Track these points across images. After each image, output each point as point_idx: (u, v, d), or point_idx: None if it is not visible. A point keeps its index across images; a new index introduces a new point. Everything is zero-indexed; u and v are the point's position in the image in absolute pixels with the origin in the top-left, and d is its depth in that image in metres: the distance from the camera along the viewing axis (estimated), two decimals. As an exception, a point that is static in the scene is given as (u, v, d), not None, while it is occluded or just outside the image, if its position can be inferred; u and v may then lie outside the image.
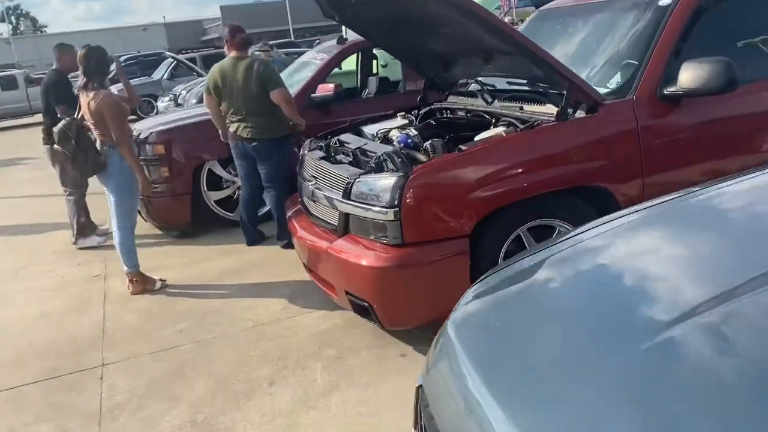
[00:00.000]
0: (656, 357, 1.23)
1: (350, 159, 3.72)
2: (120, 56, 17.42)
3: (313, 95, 5.95)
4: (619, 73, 3.53)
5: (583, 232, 1.87)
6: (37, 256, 6.03)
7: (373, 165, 3.31)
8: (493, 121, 3.71)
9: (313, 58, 6.74)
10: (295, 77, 6.47)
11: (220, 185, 6.02)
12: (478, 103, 4.00)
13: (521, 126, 3.38)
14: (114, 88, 5.14)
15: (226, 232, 5.81)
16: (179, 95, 14.14)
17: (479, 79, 4.11)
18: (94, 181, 4.98)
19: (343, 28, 5.46)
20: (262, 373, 3.37)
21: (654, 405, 1.15)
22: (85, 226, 6.09)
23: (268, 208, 5.54)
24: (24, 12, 76.50)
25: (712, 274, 1.47)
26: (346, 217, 3.35)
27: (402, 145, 3.62)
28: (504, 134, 3.36)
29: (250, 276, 4.79)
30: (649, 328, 1.32)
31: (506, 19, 10.20)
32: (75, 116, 4.64)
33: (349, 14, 4.11)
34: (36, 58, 47.74)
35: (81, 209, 6.06)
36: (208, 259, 5.32)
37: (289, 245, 4.79)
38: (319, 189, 3.62)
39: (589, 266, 1.72)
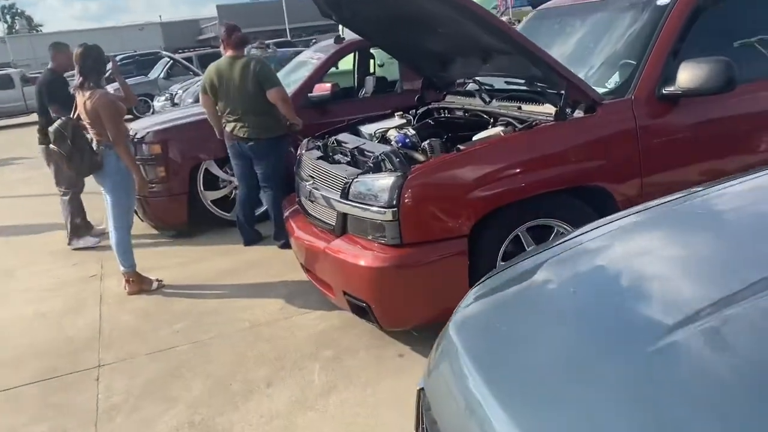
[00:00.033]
0: (659, 360, 1.23)
1: (348, 159, 3.71)
2: (116, 55, 17.43)
3: (310, 95, 5.93)
4: (617, 72, 3.52)
5: (584, 233, 1.86)
6: (32, 256, 6.01)
7: (371, 165, 3.30)
8: (491, 120, 3.70)
9: (310, 57, 6.72)
10: (291, 77, 6.45)
11: (217, 185, 6.01)
12: (475, 103, 3.99)
13: (519, 126, 3.37)
14: (110, 88, 5.11)
15: (223, 232, 5.80)
16: (176, 95, 14.13)
17: (477, 78, 4.10)
18: (90, 181, 4.96)
19: (341, 27, 5.44)
20: (259, 374, 3.36)
21: (655, 407, 1.15)
22: (79, 227, 6.06)
23: (264, 208, 5.53)
24: (19, 11, 76.26)
25: (714, 277, 1.46)
26: (343, 217, 3.33)
27: (400, 144, 3.61)
28: (502, 134, 3.35)
29: (247, 276, 4.77)
30: (652, 331, 1.31)
31: (503, 19, 10.18)
32: (71, 116, 4.61)
33: (347, 13, 4.10)
34: (32, 57, 47.58)
35: (76, 209, 6.03)
36: (204, 259, 5.30)
37: (287, 245, 4.78)
38: (317, 189, 3.61)
39: (590, 268, 1.71)
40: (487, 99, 3.85)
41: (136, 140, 5.66)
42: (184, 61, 19.01)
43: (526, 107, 3.56)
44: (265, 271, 4.82)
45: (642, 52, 3.40)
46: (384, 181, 3.11)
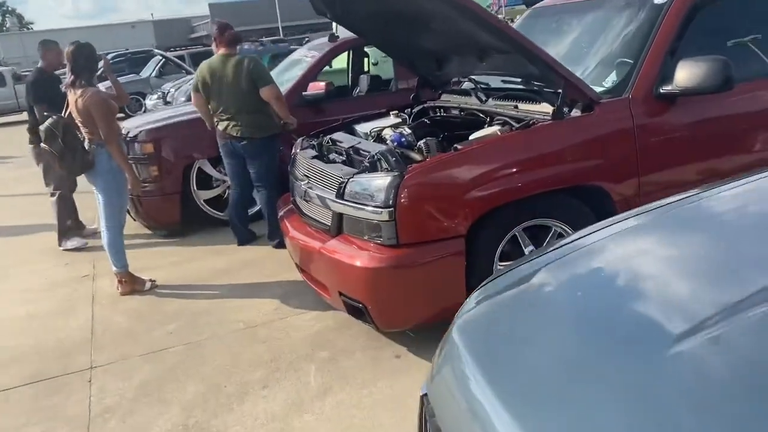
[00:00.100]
0: (664, 365, 1.21)
1: (343, 158, 3.68)
2: (108, 54, 17.32)
3: (304, 93, 5.90)
4: (614, 71, 3.51)
5: (585, 236, 1.83)
6: (24, 256, 5.95)
7: (367, 164, 3.27)
8: (488, 119, 3.68)
9: (304, 55, 6.69)
10: (285, 75, 6.41)
11: (210, 184, 5.96)
12: (472, 102, 3.97)
13: (516, 125, 3.35)
14: (102, 86, 5.05)
15: (216, 232, 5.75)
16: (168, 93, 14.06)
17: (472, 77, 4.08)
18: (82, 180, 4.91)
19: (334, 25, 5.42)
20: (254, 376, 3.32)
21: (660, 412, 1.13)
22: (69, 228, 6.00)
23: (258, 207, 5.49)
24: (10, 9, 75.73)
25: (720, 282, 1.44)
26: (339, 217, 3.30)
27: (396, 144, 3.58)
28: (499, 133, 3.33)
29: (241, 276, 4.74)
30: (659, 337, 1.29)
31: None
32: (62, 114, 4.56)
33: (341, 11, 4.07)
34: (22, 55, 47.25)
35: (65, 210, 5.97)
36: (198, 259, 5.26)
37: (281, 245, 4.75)
38: (312, 188, 3.58)
39: (595, 271, 1.69)
40: (484, 98, 3.82)
41: (128, 139, 5.61)
42: (176, 60, 18.92)
43: (522, 106, 3.53)
44: (260, 271, 4.79)
45: (639, 50, 3.38)
46: (380, 180, 3.08)
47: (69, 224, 6.02)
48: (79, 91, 4.36)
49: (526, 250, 3.22)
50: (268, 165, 5.05)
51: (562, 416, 1.22)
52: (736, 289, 1.37)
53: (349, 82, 7.41)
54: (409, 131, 3.72)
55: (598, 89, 3.35)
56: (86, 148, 4.45)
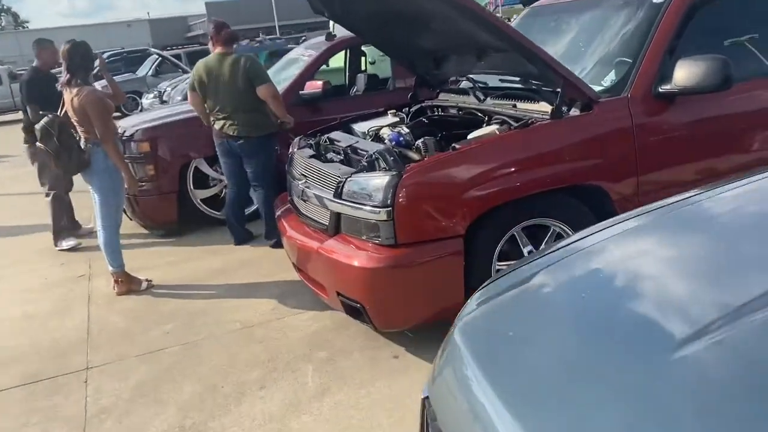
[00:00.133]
0: (668, 367, 1.20)
1: (341, 157, 3.66)
2: (104, 53, 17.28)
3: (301, 92, 5.88)
4: (613, 70, 3.50)
5: (585, 237, 1.82)
6: (19, 255, 5.92)
7: (365, 164, 3.25)
8: (486, 119, 3.67)
9: (301, 54, 6.66)
10: (282, 74, 6.39)
11: (207, 183, 5.94)
12: (469, 101, 3.95)
13: (515, 124, 3.33)
14: (98, 85, 5.03)
15: (213, 231, 5.73)
16: (164, 92, 14.02)
17: (470, 76, 4.06)
18: (79, 180, 4.88)
19: (331, 24, 5.40)
20: (251, 376, 3.30)
21: (662, 415, 1.12)
22: (64, 228, 5.96)
23: (255, 207, 5.48)
24: (5, 7, 75.47)
25: (724, 285, 1.42)
26: (337, 216, 3.28)
27: (394, 143, 3.57)
28: (498, 132, 3.32)
29: (238, 276, 4.71)
30: (663, 339, 1.28)
31: (494, 17, 10.16)
32: (58, 113, 4.54)
33: (339, 10, 4.05)
34: (18, 54, 47.09)
35: (60, 210, 5.93)
36: (195, 259, 5.23)
37: (278, 244, 4.73)
38: (309, 188, 3.56)
39: (594, 273, 1.67)
40: (482, 97, 3.81)
41: (124, 138, 5.59)
42: (172, 59, 18.87)
43: (521, 105, 3.52)
44: (257, 270, 4.77)
45: (638, 49, 3.37)
46: (378, 180, 3.06)
47: (64, 224, 5.99)
48: (74, 90, 4.33)
49: (525, 250, 3.21)
50: (264, 164, 5.03)
51: (564, 417, 1.21)
52: (739, 292, 1.35)
53: (346, 81, 7.39)
54: (407, 130, 3.70)
55: (596, 88, 3.34)
56: (82, 147, 4.42)
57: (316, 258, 3.40)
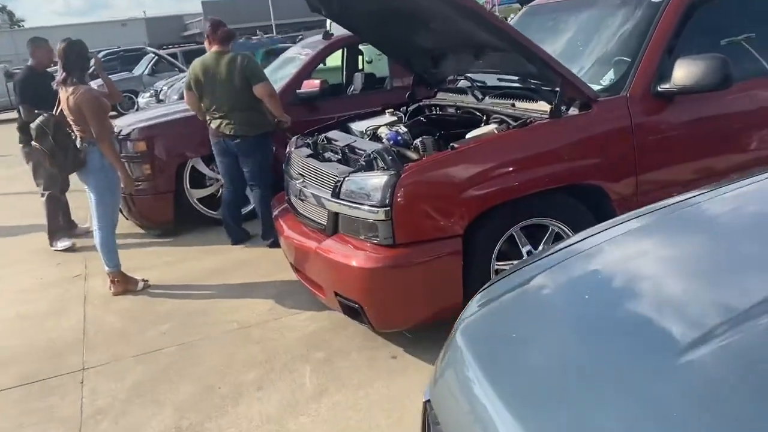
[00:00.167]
0: (673, 371, 1.18)
1: (339, 157, 3.64)
2: (99, 51, 17.21)
3: (298, 91, 5.86)
4: (612, 69, 3.48)
5: (587, 238, 1.80)
6: (15, 255, 5.89)
7: (363, 163, 3.23)
8: (484, 118, 3.65)
9: (298, 53, 6.64)
10: (279, 73, 6.37)
11: (204, 183, 5.91)
12: (468, 100, 3.94)
13: (513, 123, 3.32)
14: (94, 84, 5.00)
15: (210, 231, 5.71)
16: (160, 91, 13.98)
17: (468, 75, 4.05)
18: (75, 179, 4.85)
19: (328, 23, 5.38)
20: (249, 377, 3.28)
21: (666, 417, 1.12)
22: (60, 228, 5.93)
23: (252, 206, 5.45)
24: (0, 6, 75.19)
25: (728, 288, 1.41)
26: (335, 216, 3.26)
27: (392, 142, 3.55)
28: (496, 132, 3.30)
29: (235, 276, 4.69)
30: (663, 342, 1.28)
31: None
32: (53, 112, 4.51)
33: (337, 8, 4.03)
34: (13, 53, 46.87)
35: (57, 209, 5.90)
36: (191, 259, 5.21)
37: (275, 244, 4.71)
38: (307, 187, 3.54)
39: (596, 275, 1.66)
40: (480, 96, 3.79)
41: (121, 137, 5.55)
42: (169, 57, 18.82)
43: (519, 104, 3.50)
44: (254, 270, 4.74)
45: (637, 48, 3.36)
46: (376, 179, 3.05)
47: (61, 224, 5.96)
48: (70, 89, 4.31)
49: (524, 250, 3.20)
50: (261, 163, 5.00)
51: (565, 419, 1.20)
52: (743, 295, 1.34)
53: (344, 80, 7.37)
54: (405, 130, 3.69)
55: (595, 87, 3.32)
56: (78, 146, 4.39)
57: (314, 258, 3.38)
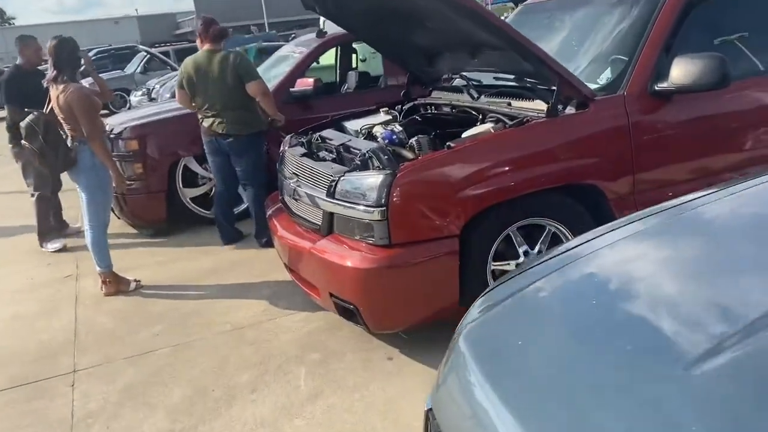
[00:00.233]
0: (681, 381, 1.16)
1: (333, 156, 3.60)
2: (90, 50, 17.10)
3: (291, 89, 5.81)
4: (609, 68, 3.46)
5: (588, 241, 1.78)
6: (5, 256, 5.83)
7: (359, 162, 3.20)
8: (480, 117, 3.62)
9: (292, 51, 6.60)
10: (272, 71, 6.33)
11: (196, 182, 5.86)
12: (463, 99, 3.91)
13: (510, 122, 3.29)
14: (85, 82, 4.95)
15: (203, 231, 5.66)
16: (153, 89, 13.89)
17: (463, 73, 4.02)
18: (67, 178, 4.79)
19: (321, 21, 5.34)
20: (242, 379, 3.24)
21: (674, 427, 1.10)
22: (51, 229, 5.86)
23: (245, 206, 5.41)
24: (-9, 4, 74.73)
25: (739, 296, 1.38)
26: (330, 216, 3.23)
27: (387, 141, 3.52)
28: (492, 131, 3.27)
29: (228, 276, 4.65)
30: (666, 346, 1.25)
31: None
32: (43, 110, 4.45)
33: (331, 6, 3.99)
34: (4, 51, 46.60)
35: (48, 210, 5.83)
36: (184, 259, 5.16)
37: (268, 244, 4.68)
38: (301, 187, 3.50)
39: (599, 279, 1.64)
40: (476, 95, 3.76)
41: (112, 136, 5.50)
42: (161, 56, 18.70)
43: (516, 103, 3.48)
44: (248, 270, 4.70)
45: (634, 47, 3.33)
46: (372, 179, 3.01)
47: (51, 224, 5.89)
48: (61, 87, 4.25)
49: (521, 250, 3.17)
50: (254, 162, 4.96)
51: (567, 424, 1.19)
52: (753, 303, 1.31)
53: (337, 79, 7.33)
54: (401, 129, 3.66)
55: (592, 86, 3.30)
56: (69, 145, 4.34)
57: (309, 258, 3.34)
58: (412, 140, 3.40)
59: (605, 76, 3.43)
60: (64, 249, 5.71)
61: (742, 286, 1.40)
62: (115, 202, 5.47)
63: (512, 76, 3.67)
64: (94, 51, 20.60)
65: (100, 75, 4.93)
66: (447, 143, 3.13)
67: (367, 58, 7.66)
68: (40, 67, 5.79)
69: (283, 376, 3.23)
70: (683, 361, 1.17)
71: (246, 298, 4.21)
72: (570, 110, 3.24)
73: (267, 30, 32.03)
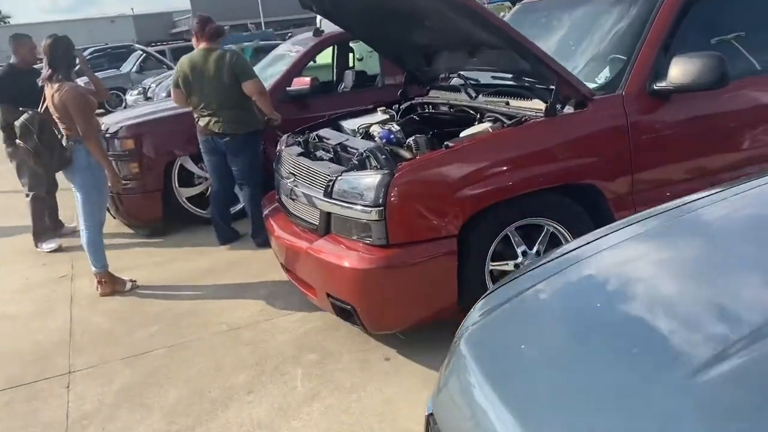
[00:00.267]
0: (684, 387, 1.15)
1: (330, 155, 3.58)
2: (85, 49, 17.03)
3: (288, 89, 5.79)
4: (607, 67, 3.44)
5: (589, 243, 1.76)
6: (0, 255, 5.78)
7: (356, 162, 3.17)
8: (478, 116, 3.60)
9: (288, 50, 6.57)
10: (269, 70, 6.30)
11: (193, 182, 5.83)
12: (461, 98, 3.89)
13: (508, 122, 3.27)
14: (81, 81, 4.91)
15: (199, 231, 5.62)
16: (149, 88, 13.87)
17: (461, 73, 4.00)
18: (62, 178, 4.76)
19: (318, 19, 5.31)
20: (239, 380, 3.22)
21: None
22: (46, 229, 5.82)
23: (241, 205, 5.38)
24: (-14, 2, 74.49)
25: (744, 301, 1.36)
26: (327, 216, 3.21)
27: (384, 141, 3.49)
28: (491, 130, 3.25)
29: (225, 276, 4.62)
30: (668, 350, 1.24)
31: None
32: (38, 110, 4.42)
33: (329, 5, 3.96)
34: (-1, 49, 46.51)
35: (43, 210, 5.79)
36: (180, 259, 5.13)
37: (265, 243, 4.65)
38: (298, 187, 3.48)
39: (601, 281, 1.62)
40: (473, 94, 3.74)
41: (108, 135, 5.47)
42: (157, 55, 18.65)
43: (514, 102, 3.46)
44: (244, 270, 4.68)
45: (632, 46, 3.32)
46: (370, 179, 2.99)
47: (47, 225, 5.86)
48: (55, 86, 4.22)
49: (519, 250, 3.16)
50: (251, 162, 4.94)
51: (567, 424, 1.19)
52: (759, 309, 1.29)
53: (334, 78, 7.31)
54: (398, 128, 3.63)
55: (590, 86, 3.28)
56: (64, 144, 4.31)
57: (306, 258, 3.32)
58: (410, 140, 3.38)
59: (604, 76, 3.41)
60: (59, 249, 5.68)
61: (747, 289, 1.38)
62: (111, 202, 5.43)
63: (510, 75, 3.64)
64: (91, 50, 20.54)
65: (96, 74, 4.90)
66: (445, 143, 3.11)
67: (364, 57, 7.64)
68: (35, 66, 5.75)
69: (280, 377, 3.21)
70: (687, 367, 1.16)
71: (242, 299, 4.19)
72: (568, 110, 3.23)
73: (263, 28, 31.96)
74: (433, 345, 3.13)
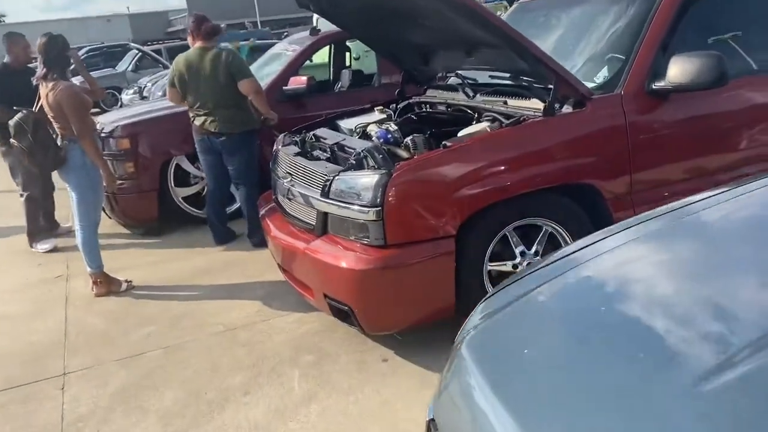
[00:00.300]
0: (690, 394, 1.13)
1: (327, 155, 3.56)
2: (80, 48, 16.98)
3: (284, 88, 5.77)
4: (605, 67, 3.43)
5: (590, 244, 1.74)
6: (-6, 255, 5.75)
7: (353, 162, 3.15)
8: (475, 116, 3.59)
9: (285, 49, 6.55)
10: (265, 69, 6.28)
11: (188, 181, 5.80)
12: (459, 98, 3.87)
13: (506, 121, 3.26)
14: (76, 80, 4.88)
15: (195, 231, 5.60)
16: (144, 88, 13.80)
17: (459, 72, 3.98)
18: (57, 178, 4.73)
19: (315, 19, 5.29)
20: (235, 382, 3.20)
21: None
22: (41, 229, 5.79)
23: (237, 205, 5.36)
24: (-19, 1, 74.22)
25: (749, 307, 1.35)
26: (324, 216, 3.19)
27: (382, 140, 3.47)
28: (489, 130, 3.24)
29: (221, 277, 4.60)
30: (670, 353, 1.22)
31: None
32: (33, 109, 4.38)
33: (325, 4, 3.94)
34: (-6, 48, 46.36)
35: (37, 210, 5.75)
36: (176, 259, 5.10)
37: (261, 243, 4.63)
38: (295, 186, 3.46)
39: (602, 284, 1.60)
40: (471, 93, 3.72)
41: (103, 134, 5.44)
42: (153, 54, 18.59)
43: (512, 102, 3.44)
44: (240, 271, 4.65)
45: (631, 45, 3.31)
46: (367, 178, 2.97)
47: (42, 225, 5.82)
48: (50, 85, 4.19)
49: (517, 251, 3.14)
50: (247, 161, 4.92)
51: (568, 428, 1.18)
52: (764, 313, 1.28)
53: (331, 77, 7.29)
54: (395, 127, 3.61)
55: (589, 85, 3.27)
56: (59, 144, 4.28)
57: (303, 259, 3.30)
58: (408, 139, 3.36)
59: (602, 75, 3.40)
60: (54, 249, 5.65)
61: (752, 294, 1.36)
62: (106, 202, 5.41)
63: (508, 75, 3.63)
64: (86, 49, 20.47)
65: (92, 73, 4.86)
66: (443, 142, 3.10)
67: (360, 56, 7.62)
68: (30, 65, 5.71)
69: (277, 378, 3.19)
70: (691, 373, 1.14)
71: (239, 299, 4.16)
72: (567, 109, 3.21)
73: (260, 28, 31.89)
74: (431, 346, 3.12)
